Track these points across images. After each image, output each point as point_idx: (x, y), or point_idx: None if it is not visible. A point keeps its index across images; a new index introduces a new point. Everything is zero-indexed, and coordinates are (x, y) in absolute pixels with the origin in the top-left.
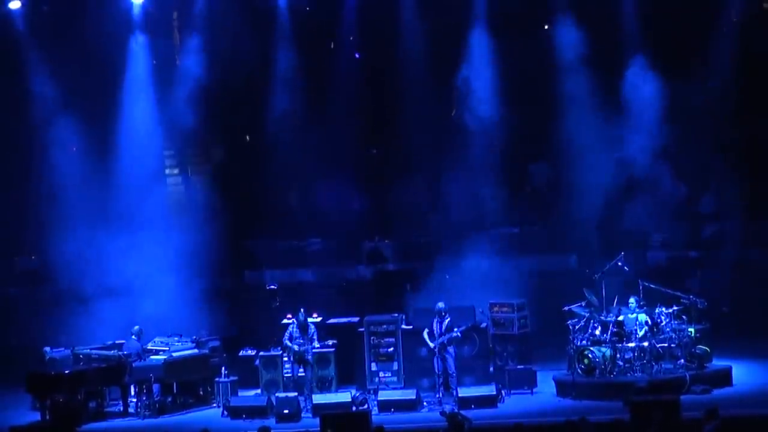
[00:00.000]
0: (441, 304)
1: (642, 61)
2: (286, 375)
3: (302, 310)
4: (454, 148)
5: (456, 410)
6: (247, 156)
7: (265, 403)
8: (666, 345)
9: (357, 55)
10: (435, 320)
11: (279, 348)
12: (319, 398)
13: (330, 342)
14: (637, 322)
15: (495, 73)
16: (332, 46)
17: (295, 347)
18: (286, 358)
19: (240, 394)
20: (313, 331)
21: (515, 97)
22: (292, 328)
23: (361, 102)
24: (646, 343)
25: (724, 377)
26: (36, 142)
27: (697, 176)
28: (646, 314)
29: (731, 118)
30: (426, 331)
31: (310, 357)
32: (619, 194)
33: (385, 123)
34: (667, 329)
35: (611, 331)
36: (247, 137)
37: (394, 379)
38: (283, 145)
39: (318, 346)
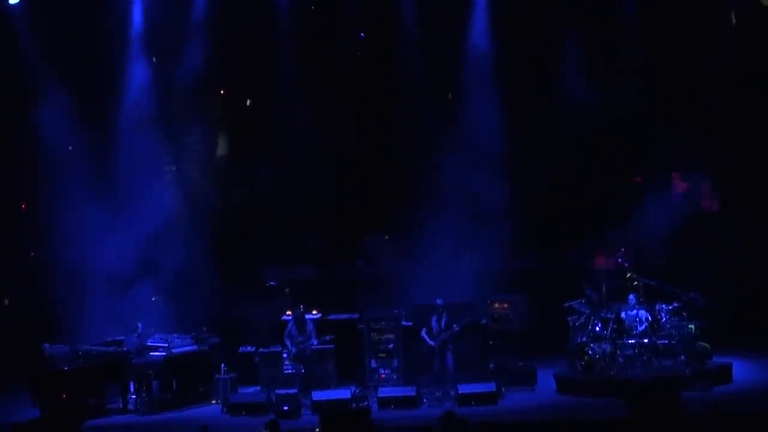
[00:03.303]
0: (439, 301)
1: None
2: (285, 372)
3: (301, 306)
4: (452, 140)
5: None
6: (248, 150)
7: (264, 400)
8: (666, 342)
9: (362, 35)
10: (434, 317)
11: (279, 345)
12: (318, 395)
13: (328, 337)
14: (637, 319)
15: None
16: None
17: (290, 348)
18: (285, 355)
19: (239, 391)
20: (311, 328)
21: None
22: (290, 325)
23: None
24: (646, 340)
25: (724, 374)
26: (33, 129)
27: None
28: (646, 311)
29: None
30: (424, 330)
31: (309, 353)
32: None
33: (382, 116)
34: (668, 326)
35: (611, 327)
36: (247, 131)
37: (394, 376)
38: (284, 140)
39: (316, 343)
